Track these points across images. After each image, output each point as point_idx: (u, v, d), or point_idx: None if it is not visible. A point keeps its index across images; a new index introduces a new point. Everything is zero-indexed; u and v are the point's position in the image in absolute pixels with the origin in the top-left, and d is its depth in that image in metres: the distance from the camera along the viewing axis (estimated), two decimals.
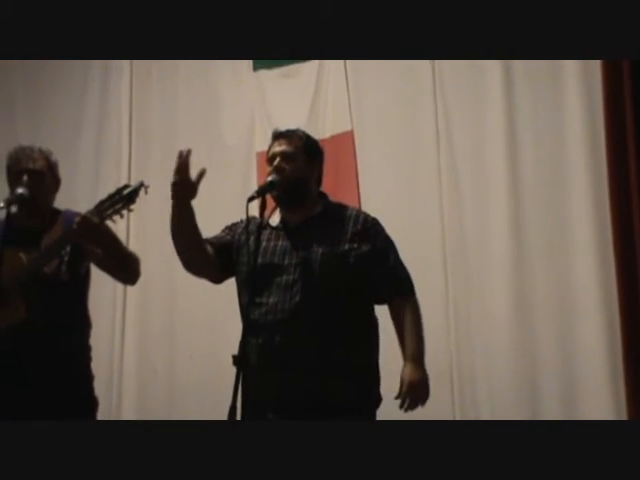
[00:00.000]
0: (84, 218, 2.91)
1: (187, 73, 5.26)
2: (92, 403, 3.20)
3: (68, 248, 3.02)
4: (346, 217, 2.78)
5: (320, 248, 2.70)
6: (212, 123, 5.18)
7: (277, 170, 2.77)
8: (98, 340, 3.57)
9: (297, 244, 2.73)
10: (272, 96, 5.00)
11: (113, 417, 4.76)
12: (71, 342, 3.15)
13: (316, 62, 4.87)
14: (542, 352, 4.09)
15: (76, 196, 5.51)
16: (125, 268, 3.19)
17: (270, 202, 2.80)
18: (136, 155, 5.37)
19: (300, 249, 2.72)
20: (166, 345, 4.95)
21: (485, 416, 4.11)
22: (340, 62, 4.79)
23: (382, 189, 4.59)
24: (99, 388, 3.34)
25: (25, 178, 3.05)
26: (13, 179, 3.10)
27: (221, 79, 5.18)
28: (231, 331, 4.23)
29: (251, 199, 2.71)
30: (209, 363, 4.66)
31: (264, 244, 2.73)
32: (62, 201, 5.44)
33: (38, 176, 3.11)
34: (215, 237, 2.92)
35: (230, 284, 4.70)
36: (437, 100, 4.50)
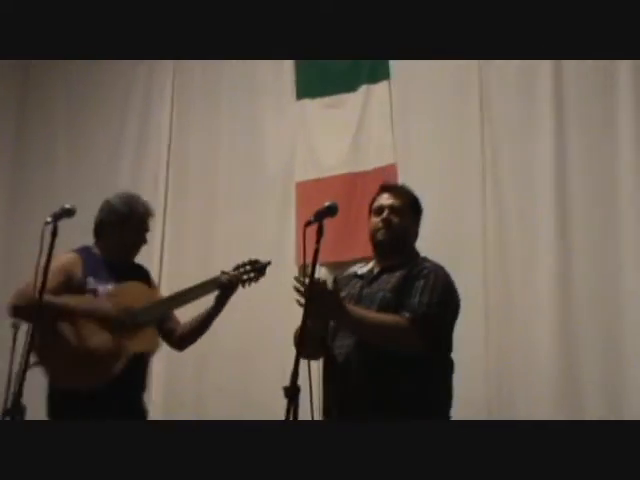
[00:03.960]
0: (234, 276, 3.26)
1: (229, 96, 5.21)
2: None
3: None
4: (417, 268, 2.84)
5: (382, 293, 2.80)
6: (253, 150, 5.13)
7: (385, 222, 2.89)
8: None
9: (367, 293, 2.84)
10: (314, 125, 4.93)
11: None
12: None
13: (361, 93, 4.81)
14: (585, 352, 3.97)
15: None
16: (200, 336, 3.45)
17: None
18: (173, 177, 5.32)
19: (366, 293, 2.84)
20: (195, 377, 4.83)
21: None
22: (385, 94, 4.71)
23: (426, 223, 4.47)
24: None
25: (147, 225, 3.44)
26: (141, 226, 3.41)
27: (264, 106, 5.12)
28: (262, 364, 4.11)
29: (308, 224, 2.62)
30: (239, 396, 4.54)
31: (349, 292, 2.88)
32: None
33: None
34: None
35: (261, 317, 4.64)
36: (484, 131, 4.39)
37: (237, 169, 5.16)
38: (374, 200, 2.99)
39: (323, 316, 2.73)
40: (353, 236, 4.66)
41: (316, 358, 2.93)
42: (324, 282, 2.67)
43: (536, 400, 4.01)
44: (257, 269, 3.31)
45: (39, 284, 2.80)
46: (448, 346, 2.83)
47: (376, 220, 2.91)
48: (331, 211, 2.67)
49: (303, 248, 2.56)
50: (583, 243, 4.09)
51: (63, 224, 2.91)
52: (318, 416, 2.71)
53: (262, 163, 5.09)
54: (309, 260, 2.51)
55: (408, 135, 4.65)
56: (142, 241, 3.42)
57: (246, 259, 3.32)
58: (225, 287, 3.27)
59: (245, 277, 3.28)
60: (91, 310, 3.15)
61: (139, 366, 3.24)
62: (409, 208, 2.95)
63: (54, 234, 2.90)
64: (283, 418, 2.30)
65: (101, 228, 3.40)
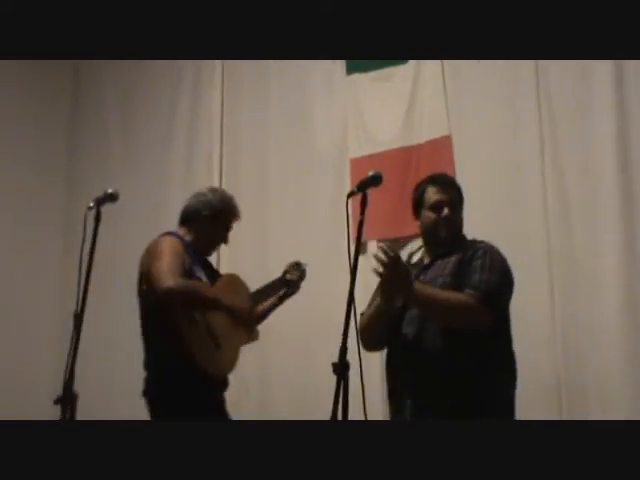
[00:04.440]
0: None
1: (279, 75, 5.18)
2: None
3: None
4: (471, 250, 2.89)
5: (441, 279, 2.85)
6: (304, 127, 5.09)
7: (450, 221, 2.94)
8: None
9: (425, 280, 2.87)
10: (366, 100, 4.86)
11: None
12: None
13: (412, 65, 4.72)
14: None
15: (168, 197, 5.55)
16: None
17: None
18: (227, 156, 5.34)
19: (423, 281, 2.87)
20: (258, 363, 4.81)
21: None
22: (437, 64, 4.62)
23: (481, 196, 4.38)
24: None
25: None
26: (229, 226, 3.47)
27: (314, 82, 5.07)
28: (321, 346, 4.06)
29: (351, 194, 2.62)
30: (300, 380, 4.53)
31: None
32: (155, 202, 5.51)
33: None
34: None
35: (322, 301, 4.61)
36: (541, 103, 4.26)
37: (289, 147, 5.13)
38: (424, 191, 3.01)
39: (395, 292, 2.73)
40: (409, 211, 4.60)
41: (380, 347, 3.00)
42: (398, 256, 2.68)
43: (604, 369, 3.91)
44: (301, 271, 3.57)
45: (84, 271, 2.85)
46: (508, 320, 2.88)
47: (434, 216, 2.95)
48: (375, 181, 2.63)
49: (347, 219, 2.53)
50: None
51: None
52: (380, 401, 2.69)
53: (314, 140, 5.05)
54: (352, 232, 2.49)
55: (462, 106, 4.55)
56: (225, 241, 3.47)
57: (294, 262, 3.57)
58: (294, 286, 3.53)
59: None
60: (229, 305, 3.23)
61: None
62: (460, 199, 3.01)
63: (97, 219, 2.94)
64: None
65: (193, 217, 3.39)
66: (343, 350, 2.37)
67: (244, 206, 3.57)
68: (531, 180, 4.24)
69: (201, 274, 3.27)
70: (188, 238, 3.34)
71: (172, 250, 3.14)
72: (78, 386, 2.89)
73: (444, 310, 2.74)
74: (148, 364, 3.27)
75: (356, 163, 4.76)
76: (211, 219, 3.38)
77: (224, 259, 4.97)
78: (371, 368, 4.46)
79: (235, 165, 5.33)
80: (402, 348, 2.85)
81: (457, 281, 2.79)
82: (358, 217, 2.54)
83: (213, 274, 3.41)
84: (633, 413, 3.73)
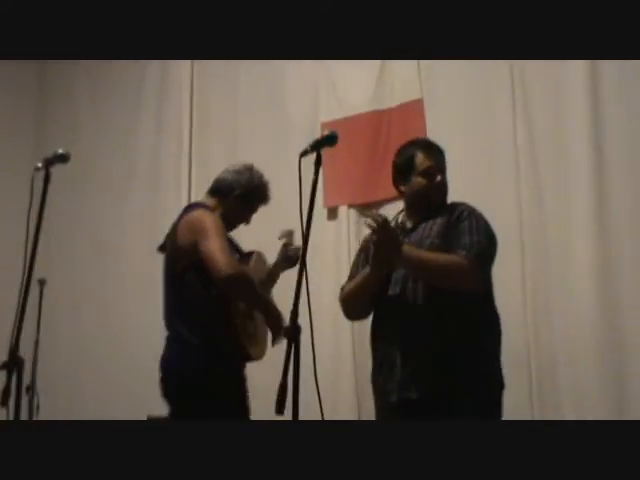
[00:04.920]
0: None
1: None
2: None
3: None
4: (456, 213, 2.89)
5: (429, 240, 2.85)
6: (275, 91, 5.04)
7: (441, 187, 2.96)
8: None
9: (410, 243, 2.85)
10: (337, 64, 4.79)
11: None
12: None
13: None
14: (630, 337, 3.77)
15: (136, 162, 5.49)
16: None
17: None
18: (197, 120, 5.32)
19: (409, 243, 2.85)
20: None
21: (567, 410, 3.82)
22: None
23: (452, 160, 4.35)
24: None
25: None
26: (257, 208, 3.45)
27: None
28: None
29: (304, 153, 2.56)
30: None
31: None
32: (123, 167, 5.46)
33: None
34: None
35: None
36: (513, 65, 4.19)
37: (260, 111, 5.09)
38: (413, 157, 2.98)
39: (386, 256, 2.72)
40: (382, 175, 4.56)
41: (363, 316, 3.02)
42: (386, 219, 2.67)
43: (574, 337, 3.90)
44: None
45: (32, 234, 2.79)
46: (491, 282, 2.91)
47: (425, 182, 2.94)
48: (330, 140, 2.58)
49: (299, 178, 2.46)
50: (620, 179, 3.89)
51: None
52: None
53: (285, 104, 5.00)
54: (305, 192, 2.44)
55: (434, 69, 4.49)
56: (247, 222, 3.45)
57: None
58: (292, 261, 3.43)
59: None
60: (273, 310, 3.23)
61: None
62: (445, 163, 3.02)
63: (46, 180, 2.84)
64: None
65: (225, 192, 3.36)
66: (294, 313, 2.36)
67: (214, 171, 3.52)
68: (503, 145, 4.20)
69: (234, 253, 3.26)
70: (217, 212, 3.30)
71: (219, 229, 3.13)
72: (43, 351, 2.86)
73: (435, 271, 2.73)
74: (178, 338, 3.22)
75: (327, 127, 4.70)
76: (242, 199, 3.36)
77: None
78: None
79: (205, 129, 5.29)
80: (388, 309, 2.85)
81: (445, 242, 2.79)
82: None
83: (237, 250, 3.40)
84: (604, 382, 3.76)
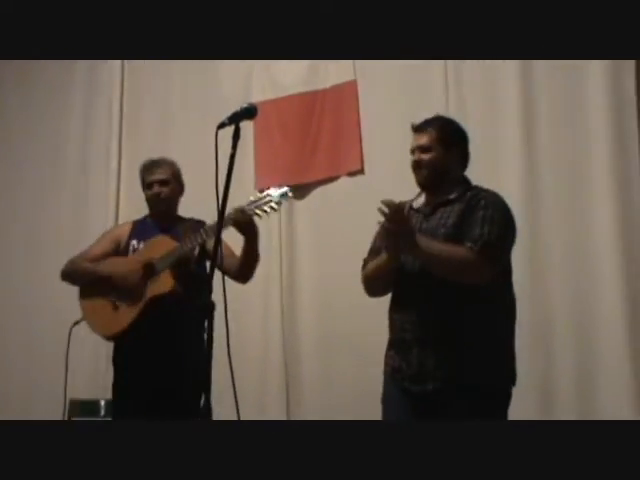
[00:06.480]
0: (242, 211, 3.16)
1: None
2: None
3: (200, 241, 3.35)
4: (474, 200, 2.83)
5: (443, 229, 2.80)
6: (209, 73, 4.99)
7: (416, 164, 2.90)
8: None
9: (426, 228, 2.84)
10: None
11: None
12: None
13: None
14: (558, 327, 3.90)
15: (66, 151, 5.40)
16: (252, 268, 3.44)
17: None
18: (128, 102, 5.27)
19: (425, 228, 2.84)
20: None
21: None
22: None
23: (385, 142, 4.39)
24: None
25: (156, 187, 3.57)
26: (146, 186, 3.60)
27: None
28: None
29: (222, 126, 2.51)
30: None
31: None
32: (52, 156, 5.37)
33: (165, 184, 3.57)
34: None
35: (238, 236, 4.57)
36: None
37: (194, 92, 5.05)
38: None
39: (395, 243, 2.70)
40: (314, 156, 4.57)
41: (384, 294, 2.96)
42: (399, 207, 2.63)
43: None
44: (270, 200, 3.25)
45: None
46: (509, 271, 2.87)
47: (412, 162, 2.93)
48: (249, 113, 2.57)
49: (216, 151, 2.45)
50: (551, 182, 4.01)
51: None
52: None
53: (219, 84, 4.97)
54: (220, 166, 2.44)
55: None
56: (152, 195, 3.57)
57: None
58: (237, 223, 3.27)
59: (257, 210, 3.24)
60: (109, 272, 3.48)
61: (162, 307, 3.38)
62: (437, 141, 2.89)
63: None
64: None
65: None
66: (208, 290, 2.40)
67: (147, 153, 3.50)
68: None
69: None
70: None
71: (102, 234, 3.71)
72: None
73: (441, 264, 2.71)
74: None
75: (260, 107, 4.68)
76: (142, 185, 3.65)
77: (126, 205, 4.92)
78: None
79: (137, 111, 5.23)
80: (405, 287, 2.84)
81: (459, 233, 2.76)
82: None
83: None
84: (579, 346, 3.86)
